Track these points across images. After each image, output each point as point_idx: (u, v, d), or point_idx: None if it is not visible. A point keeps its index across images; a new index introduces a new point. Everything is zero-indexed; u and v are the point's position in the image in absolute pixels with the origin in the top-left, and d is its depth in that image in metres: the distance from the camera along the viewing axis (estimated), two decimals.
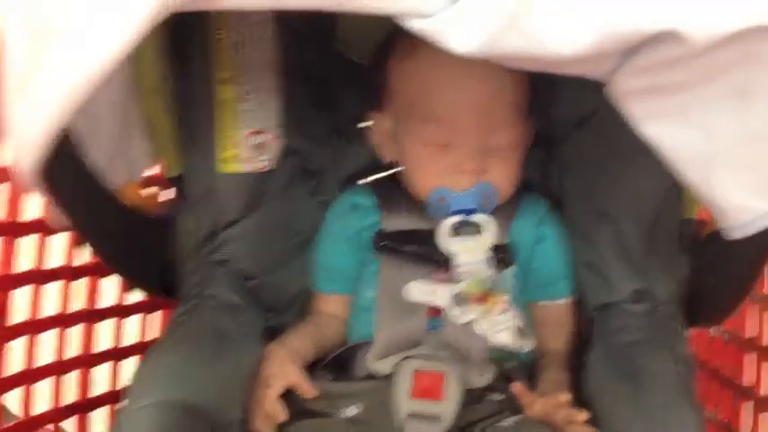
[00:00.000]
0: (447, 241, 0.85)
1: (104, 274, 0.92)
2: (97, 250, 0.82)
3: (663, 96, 0.59)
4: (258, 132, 0.91)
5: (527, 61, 0.56)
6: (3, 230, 0.79)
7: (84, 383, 0.92)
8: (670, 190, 0.85)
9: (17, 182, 0.70)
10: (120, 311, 0.97)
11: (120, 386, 0.96)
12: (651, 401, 0.76)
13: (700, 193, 0.62)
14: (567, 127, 0.95)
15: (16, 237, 0.80)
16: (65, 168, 0.71)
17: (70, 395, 0.90)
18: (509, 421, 0.80)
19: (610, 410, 0.78)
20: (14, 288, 0.81)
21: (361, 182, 1.00)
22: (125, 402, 0.76)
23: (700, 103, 0.58)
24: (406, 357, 0.84)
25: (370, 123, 0.93)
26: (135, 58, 0.80)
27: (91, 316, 0.92)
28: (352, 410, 0.83)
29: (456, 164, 0.85)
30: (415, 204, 0.90)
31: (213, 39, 0.87)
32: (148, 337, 1.01)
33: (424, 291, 0.85)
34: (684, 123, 0.59)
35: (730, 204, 0.61)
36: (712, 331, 1.00)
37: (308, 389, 0.83)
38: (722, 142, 0.58)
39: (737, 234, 0.62)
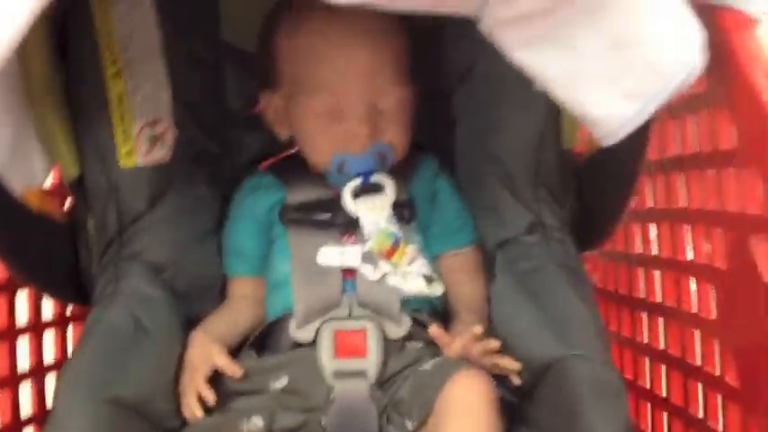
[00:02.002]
0: (351, 204, 0.89)
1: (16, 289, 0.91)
2: (6, 260, 0.82)
3: (529, 23, 0.63)
4: (152, 123, 0.92)
5: (401, 1, 0.60)
6: None
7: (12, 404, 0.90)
8: (547, 125, 0.92)
9: None
10: (37, 327, 0.96)
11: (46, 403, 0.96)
12: (551, 316, 0.83)
13: (572, 109, 0.68)
14: (450, 83, 1.00)
15: None
16: None
17: None
18: (429, 364, 0.84)
19: (516, 331, 0.84)
20: None
21: (262, 165, 1.04)
22: (54, 404, 0.76)
23: (562, 24, 0.63)
24: (327, 320, 0.87)
25: (261, 105, 0.96)
26: (22, 61, 0.80)
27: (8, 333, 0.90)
28: (281, 381, 0.86)
29: (349, 130, 0.89)
30: (316, 175, 0.93)
31: (99, 35, 0.88)
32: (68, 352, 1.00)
33: (334, 254, 0.89)
34: (552, 45, 0.64)
35: (601, 114, 0.66)
36: (600, 256, 1.07)
37: (233, 368, 0.85)
38: (587, 57, 0.64)
39: (610, 141, 0.68)
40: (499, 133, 0.95)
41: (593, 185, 0.89)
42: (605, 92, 0.65)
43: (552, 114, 0.91)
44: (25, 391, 0.94)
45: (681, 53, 0.63)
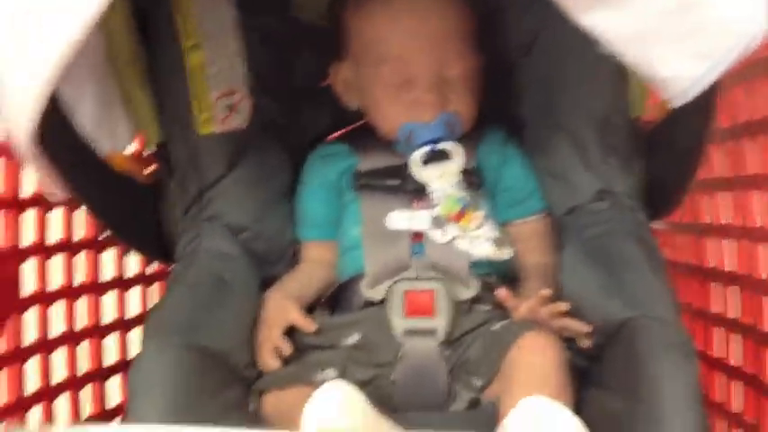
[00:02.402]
0: (419, 170, 0.91)
1: (104, 247, 0.97)
2: (96, 214, 0.87)
3: None
4: (228, 93, 0.96)
5: None
6: (5, 204, 0.83)
7: (97, 353, 0.96)
8: (614, 93, 0.93)
9: (16, 155, 0.74)
10: (122, 284, 1.01)
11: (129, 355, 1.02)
12: (622, 279, 0.83)
13: (641, 70, 0.68)
14: (515, 53, 1.02)
15: (19, 212, 0.85)
16: (58, 134, 0.76)
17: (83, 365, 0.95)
18: (498, 325, 0.86)
19: (586, 295, 0.85)
20: (23, 261, 0.85)
21: (332, 136, 1.08)
22: (141, 348, 0.81)
23: None
24: (397, 281, 0.89)
25: (330, 77, 0.99)
26: (107, 35, 0.85)
27: (96, 288, 0.96)
28: (353, 338, 0.89)
29: (417, 99, 0.91)
30: (386, 143, 0.96)
31: (177, 11, 0.93)
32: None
33: (404, 218, 0.91)
34: (618, 7, 0.64)
35: (670, 75, 0.66)
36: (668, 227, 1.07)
37: (307, 324, 0.89)
38: (654, 17, 0.64)
39: (680, 101, 0.68)
40: (566, 102, 0.96)
41: (662, 154, 0.90)
42: (674, 52, 0.65)
43: (620, 82, 0.91)
44: (111, 342, 1.00)
45: (749, 13, 0.63)
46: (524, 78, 1.02)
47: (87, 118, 0.82)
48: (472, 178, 0.93)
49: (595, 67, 0.90)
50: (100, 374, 0.96)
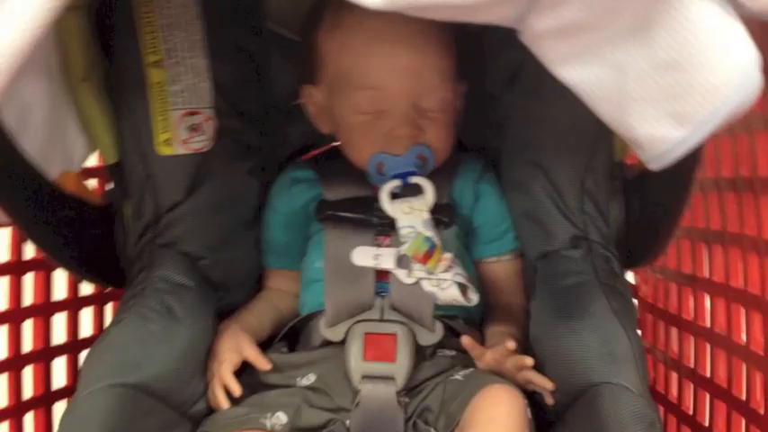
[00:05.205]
0: (388, 205, 0.86)
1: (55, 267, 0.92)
2: (39, 244, 0.82)
3: (572, 37, 0.60)
4: (191, 113, 0.91)
5: (435, 10, 0.57)
6: None
7: (45, 377, 0.92)
8: (599, 135, 0.88)
9: None
10: (74, 304, 0.97)
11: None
12: (590, 341, 0.79)
13: (617, 128, 0.64)
14: (498, 86, 0.96)
15: None
16: None
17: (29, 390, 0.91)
18: (461, 374, 0.82)
19: (553, 350, 0.81)
20: None
21: (301, 158, 1.03)
22: (77, 387, 0.76)
23: (607, 41, 0.59)
24: (357, 322, 0.85)
25: (302, 99, 0.94)
26: (62, 48, 0.80)
27: (44, 309, 0.92)
28: (309, 379, 0.85)
29: (390, 129, 0.86)
30: (356, 173, 0.91)
31: (140, 24, 0.88)
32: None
33: (369, 255, 0.86)
34: (595, 62, 0.60)
35: (646, 136, 0.62)
36: (651, 271, 1.02)
37: (261, 361, 0.85)
38: (633, 76, 0.59)
39: (657, 165, 0.63)
40: (546, 140, 0.91)
41: (643, 201, 0.85)
42: (652, 114, 0.60)
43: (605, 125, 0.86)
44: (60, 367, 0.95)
45: (735, 77, 0.57)
46: (507, 111, 0.96)
47: (34, 140, 0.76)
48: (443, 216, 0.88)
49: (580, 107, 0.85)
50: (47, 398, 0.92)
